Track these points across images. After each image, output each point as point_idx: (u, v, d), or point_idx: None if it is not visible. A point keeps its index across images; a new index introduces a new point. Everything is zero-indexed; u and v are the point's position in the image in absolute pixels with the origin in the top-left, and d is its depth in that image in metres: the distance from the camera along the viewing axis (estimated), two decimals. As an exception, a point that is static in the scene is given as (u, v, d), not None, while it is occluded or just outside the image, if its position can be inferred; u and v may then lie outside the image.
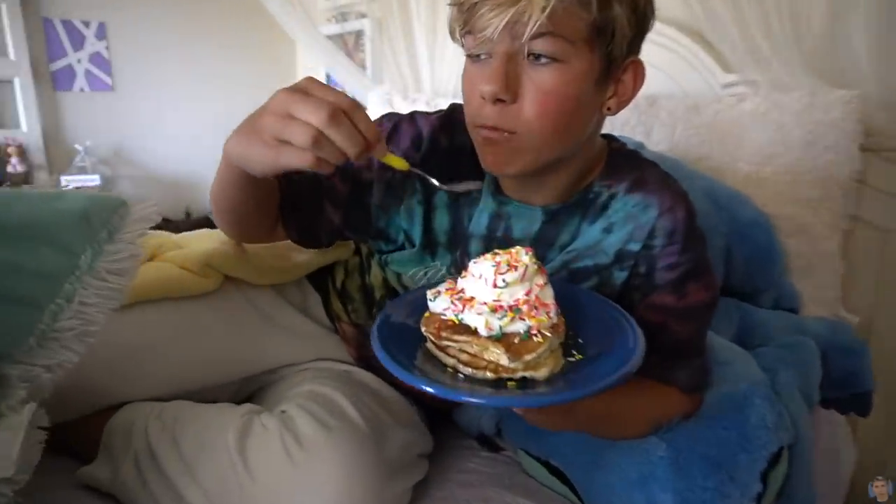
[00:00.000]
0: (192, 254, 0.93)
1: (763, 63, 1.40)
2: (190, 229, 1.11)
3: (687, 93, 1.54)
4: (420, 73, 2.30)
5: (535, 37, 0.63)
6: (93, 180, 2.38)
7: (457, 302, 0.57)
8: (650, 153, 1.29)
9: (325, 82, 0.60)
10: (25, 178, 2.35)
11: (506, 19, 0.62)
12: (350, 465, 0.70)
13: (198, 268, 0.91)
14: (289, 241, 0.88)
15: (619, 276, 0.77)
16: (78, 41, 2.48)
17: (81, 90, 2.52)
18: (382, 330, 0.60)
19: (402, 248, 0.87)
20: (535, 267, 0.58)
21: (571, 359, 0.59)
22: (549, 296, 0.58)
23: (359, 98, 2.46)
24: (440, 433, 0.92)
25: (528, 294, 0.56)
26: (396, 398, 0.88)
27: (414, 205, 0.83)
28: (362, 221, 0.86)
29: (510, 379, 0.55)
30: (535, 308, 0.56)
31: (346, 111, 0.57)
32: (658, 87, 1.57)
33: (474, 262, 0.59)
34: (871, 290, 1.39)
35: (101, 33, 2.52)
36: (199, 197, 2.84)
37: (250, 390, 0.97)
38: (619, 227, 0.77)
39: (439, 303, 0.58)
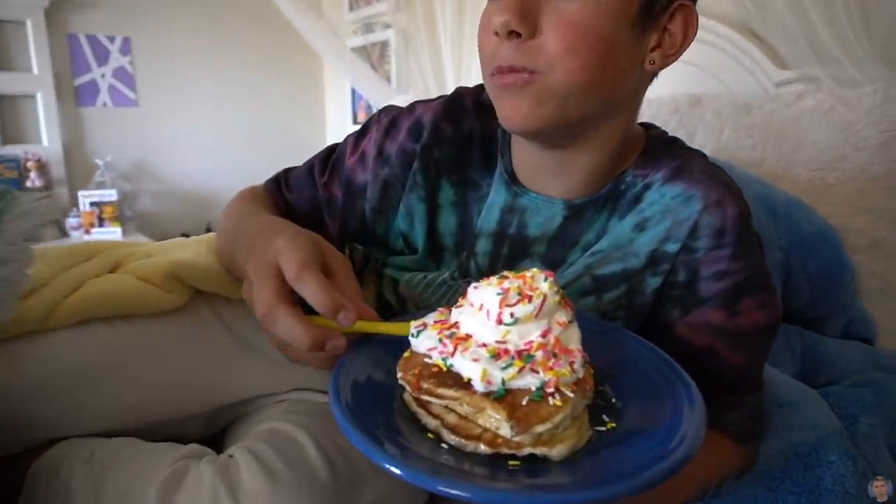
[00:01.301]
0: (156, 264, 0.80)
1: (825, 57, 1.23)
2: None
3: (735, 92, 1.38)
4: (445, 84, 2.22)
5: None
6: (110, 195, 2.34)
7: (447, 340, 0.41)
8: (693, 155, 1.14)
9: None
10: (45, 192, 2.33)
11: None
12: None
13: (161, 280, 0.78)
14: None
15: (652, 283, 0.62)
16: (102, 56, 2.47)
17: (104, 105, 2.50)
18: (346, 373, 0.44)
19: (401, 253, 0.76)
20: (557, 298, 0.42)
21: (601, 428, 0.42)
22: (574, 339, 0.42)
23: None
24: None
25: (544, 335, 0.41)
26: None
27: (414, 202, 0.71)
28: (359, 230, 0.76)
29: (513, 456, 0.38)
30: (554, 356, 0.40)
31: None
32: (701, 86, 1.41)
33: (474, 287, 0.43)
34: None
35: (126, 48, 2.51)
36: (221, 213, 2.79)
37: (223, 422, 0.84)
38: (655, 224, 0.62)
39: (423, 340, 0.43)
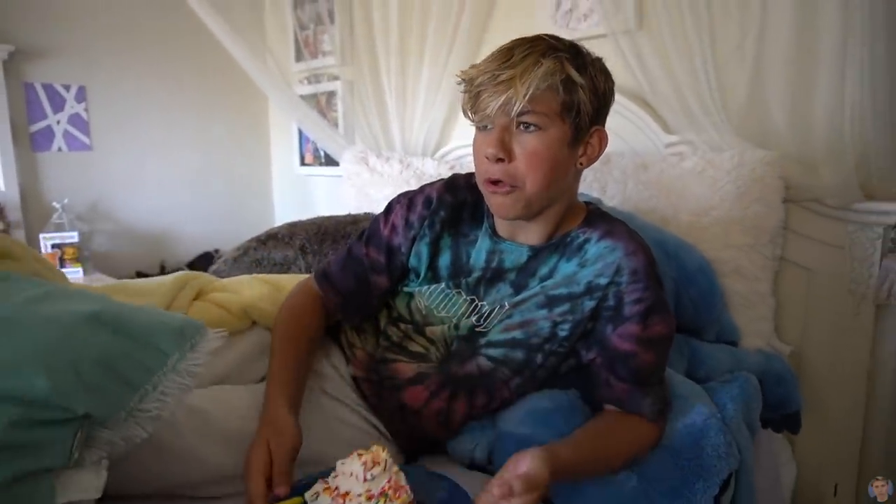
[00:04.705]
0: (233, 299, 1.08)
1: (698, 126, 1.60)
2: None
3: (637, 152, 1.73)
4: (391, 132, 2.43)
5: (521, 113, 0.87)
6: (71, 237, 2.44)
7: (337, 498, 0.72)
8: (607, 208, 1.47)
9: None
10: (3, 236, 2.39)
11: (500, 101, 0.86)
12: None
13: (236, 311, 1.05)
14: None
15: (588, 304, 0.95)
16: (58, 104, 2.57)
17: (59, 150, 2.59)
18: None
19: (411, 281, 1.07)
20: (391, 459, 0.75)
21: None
22: (402, 479, 0.75)
23: (335, 156, 2.58)
24: (430, 461, 1.03)
25: (389, 482, 0.73)
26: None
27: (422, 246, 1.04)
28: (401, 273, 1.08)
29: None
30: (397, 489, 0.73)
31: None
32: (611, 147, 1.73)
33: (342, 463, 0.75)
34: (801, 322, 1.58)
35: (81, 96, 2.62)
36: (174, 251, 2.91)
37: None
38: (591, 264, 0.95)
39: (321, 502, 0.73)
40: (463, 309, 1.01)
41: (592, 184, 1.65)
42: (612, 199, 1.60)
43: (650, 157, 1.65)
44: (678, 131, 1.68)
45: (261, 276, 1.17)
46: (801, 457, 1.61)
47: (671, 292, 1.32)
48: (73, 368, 0.61)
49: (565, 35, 1.78)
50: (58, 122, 2.57)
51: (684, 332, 1.35)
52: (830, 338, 1.53)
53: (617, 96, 1.73)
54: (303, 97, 2.72)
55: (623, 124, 1.76)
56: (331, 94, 2.75)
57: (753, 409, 1.17)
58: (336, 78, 2.69)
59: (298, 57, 2.84)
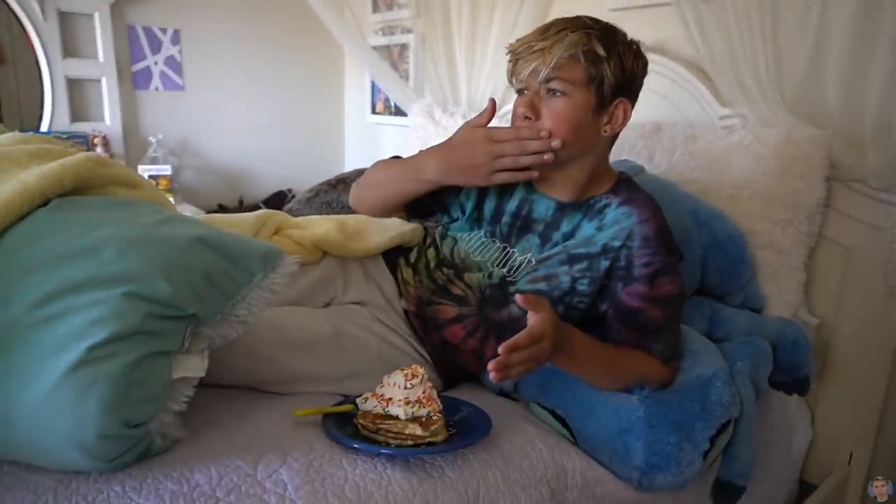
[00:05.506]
0: (305, 235, 1.21)
1: (750, 100, 1.63)
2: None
3: (689, 122, 1.77)
4: (458, 87, 2.53)
5: (548, 80, 1.01)
6: (165, 170, 2.70)
7: (382, 401, 0.89)
8: (649, 177, 1.55)
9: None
10: (107, 165, 2.68)
11: (531, 68, 1.02)
12: None
13: (309, 245, 1.21)
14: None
15: (603, 263, 1.07)
16: (156, 46, 2.80)
17: (156, 89, 2.84)
18: (331, 425, 0.90)
19: (457, 220, 1.23)
20: (427, 375, 0.91)
21: (453, 430, 0.92)
22: (434, 393, 0.91)
23: (404, 107, 2.71)
24: (467, 389, 1.20)
25: (424, 392, 0.89)
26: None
27: (472, 190, 1.21)
28: (439, 200, 1.25)
29: (421, 444, 0.86)
30: (430, 400, 0.89)
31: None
32: (664, 115, 1.81)
33: (387, 376, 0.91)
34: (835, 298, 1.63)
35: (176, 39, 2.84)
36: (251, 188, 3.15)
37: None
38: (608, 228, 1.08)
39: (369, 404, 0.90)
40: (496, 256, 1.15)
41: (641, 151, 1.73)
42: (658, 167, 1.68)
43: (700, 129, 1.69)
44: (732, 104, 1.71)
45: (328, 216, 1.33)
46: (819, 424, 1.69)
47: (700, 258, 1.41)
48: (185, 278, 0.80)
49: (630, 1, 1.85)
50: (155, 63, 2.81)
51: (709, 296, 1.45)
52: (862, 315, 1.58)
53: (675, 66, 1.84)
54: (376, 48, 2.83)
55: (679, 93, 1.80)
56: (403, 47, 2.86)
57: (762, 371, 1.28)
58: (409, 31, 2.80)
59: (375, 8, 2.96)
